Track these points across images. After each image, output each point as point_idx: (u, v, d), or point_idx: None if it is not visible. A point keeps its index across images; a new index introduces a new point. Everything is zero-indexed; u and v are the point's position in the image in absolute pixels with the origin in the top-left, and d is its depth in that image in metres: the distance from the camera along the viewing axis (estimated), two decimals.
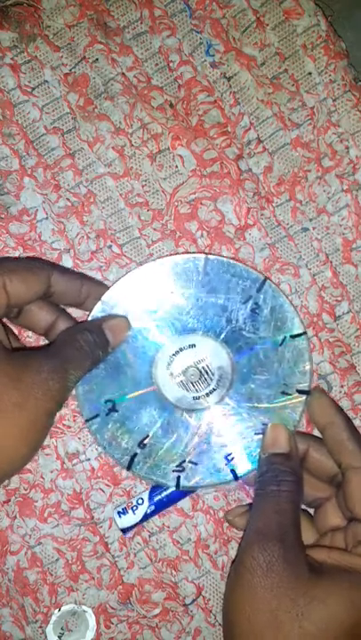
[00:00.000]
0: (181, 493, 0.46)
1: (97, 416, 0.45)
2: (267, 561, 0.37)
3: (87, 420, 0.45)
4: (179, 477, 0.45)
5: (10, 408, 0.36)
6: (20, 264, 0.42)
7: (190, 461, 0.45)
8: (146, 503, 0.46)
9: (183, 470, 0.45)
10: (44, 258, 0.47)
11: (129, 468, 0.45)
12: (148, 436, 0.45)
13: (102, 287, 0.45)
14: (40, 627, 0.48)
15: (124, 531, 0.47)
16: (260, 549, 0.38)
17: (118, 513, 0.47)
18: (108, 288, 0.45)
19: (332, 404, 0.44)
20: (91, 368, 0.42)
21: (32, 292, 0.40)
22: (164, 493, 0.46)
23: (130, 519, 0.46)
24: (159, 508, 0.47)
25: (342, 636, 0.36)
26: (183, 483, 0.45)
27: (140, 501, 0.47)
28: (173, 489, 0.46)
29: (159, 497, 0.46)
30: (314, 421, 0.45)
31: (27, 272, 0.40)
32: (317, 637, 0.36)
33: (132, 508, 0.46)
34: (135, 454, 0.45)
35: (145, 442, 0.45)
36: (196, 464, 0.45)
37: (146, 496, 0.47)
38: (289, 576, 0.37)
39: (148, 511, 0.46)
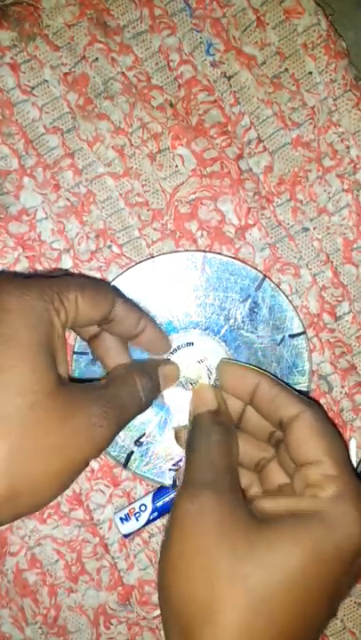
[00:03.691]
0: None
1: None
2: (197, 509, 0.34)
3: None
4: (175, 476, 0.45)
5: (48, 450, 0.33)
6: (90, 282, 0.39)
7: None
8: (149, 509, 0.46)
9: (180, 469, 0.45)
10: (43, 259, 0.47)
11: (125, 465, 0.45)
12: (144, 434, 0.45)
13: (157, 329, 0.43)
14: (40, 628, 0.48)
15: (126, 535, 0.47)
16: (190, 497, 0.35)
17: (121, 519, 0.46)
18: (162, 331, 0.44)
19: (246, 367, 0.41)
20: (138, 414, 0.40)
21: (99, 313, 0.38)
22: (167, 498, 0.46)
23: (132, 525, 0.46)
24: (162, 513, 0.46)
25: (290, 582, 0.32)
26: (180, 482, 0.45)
27: (142, 507, 0.46)
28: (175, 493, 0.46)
29: (162, 502, 0.46)
30: (235, 393, 0.41)
31: (96, 291, 0.38)
32: (261, 586, 0.32)
33: (134, 514, 0.46)
34: (132, 452, 0.45)
35: (141, 440, 0.45)
36: None
37: (149, 502, 0.46)
38: (223, 522, 0.34)
39: (151, 517, 0.46)
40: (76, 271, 0.47)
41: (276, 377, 0.41)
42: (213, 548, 0.33)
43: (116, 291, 0.42)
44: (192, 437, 0.39)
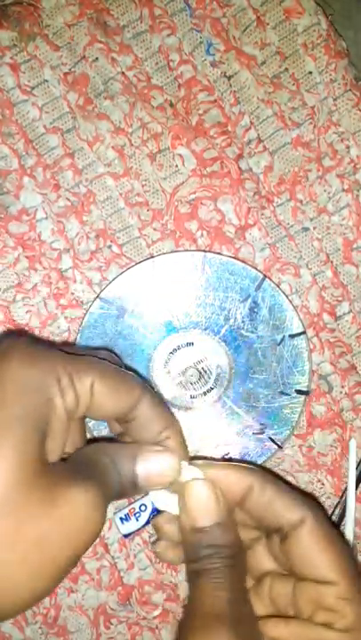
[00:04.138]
0: None
1: None
2: None
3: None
4: None
5: (35, 540, 0.28)
6: (113, 370, 0.34)
7: None
8: (149, 509, 0.46)
9: None
10: (43, 258, 0.47)
11: None
12: None
13: (184, 443, 0.36)
14: (40, 628, 0.48)
15: (126, 535, 0.47)
16: (208, 637, 0.31)
17: (120, 519, 0.46)
18: (185, 443, 0.37)
19: (233, 466, 0.35)
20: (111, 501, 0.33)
21: (117, 408, 0.33)
22: None
23: (132, 525, 0.46)
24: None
25: None
26: None
27: (142, 507, 0.46)
28: None
29: None
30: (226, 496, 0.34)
31: (119, 382, 0.33)
32: None
33: (134, 514, 0.46)
34: None
35: None
36: None
37: (149, 502, 0.46)
38: None
39: (151, 517, 0.46)
40: (76, 271, 0.47)
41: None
42: None
43: (143, 387, 0.35)
44: (203, 561, 0.33)
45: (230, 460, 0.42)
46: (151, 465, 0.33)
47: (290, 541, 0.34)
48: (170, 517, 0.36)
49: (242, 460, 0.38)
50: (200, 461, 0.35)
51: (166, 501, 0.35)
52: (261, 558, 0.36)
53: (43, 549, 0.28)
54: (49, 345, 0.41)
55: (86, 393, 0.32)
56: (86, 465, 0.32)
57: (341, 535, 0.35)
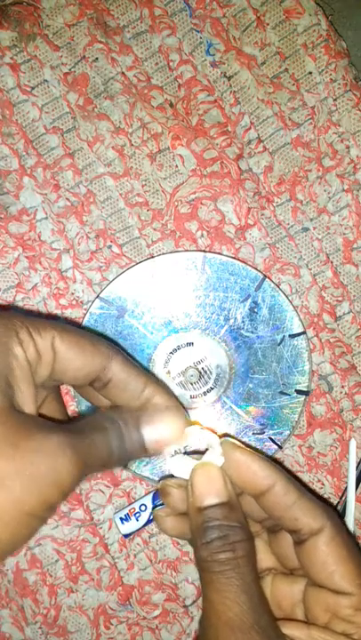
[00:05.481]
0: None
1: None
2: None
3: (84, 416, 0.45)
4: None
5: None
6: (75, 329, 0.34)
7: None
8: (149, 509, 0.46)
9: None
10: (43, 258, 0.47)
11: (125, 465, 0.45)
12: None
13: (171, 396, 0.35)
14: (40, 628, 0.48)
15: (126, 535, 0.47)
16: None
17: (121, 519, 0.46)
18: (175, 397, 0.36)
19: (260, 459, 0.34)
20: (108, 468, 0.33)
21: (86, 364, 0.33)
22: None
23: (132, 525, 0.46)
24: None
25: None
26: None
27: (142, 508, 0.46)
28: None
29: (162, 502, 0.46)
30: (243, 485, 0.34)
31: (82, 338, 0.33)
32: None
33: (134, 514, 0.46)
34: None
35: None
36: None
37: (149, 502, 0.46)
38: None
39: (151, 517, 0.46)
40: (76, 271, 0.47)
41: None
42: None
43: (117, 350, 0.34)
44: (212, 547, 0.33)
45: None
46: (156, 427, 0.33)
47: (307, 547, 0.33)
48: (180, 483, 0.35)
49: (268, 456, 0.38)
50: (232, 440, 0.35)
51: (182, 468, 0.35)
52: (261, 554, 0.36)
53: (3, 490, 0.27)
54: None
55: (47, 348, 0.32)
56: (83, 428, 0.31)
57: (358, 546, 0.35)
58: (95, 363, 0.33)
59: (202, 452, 0.35)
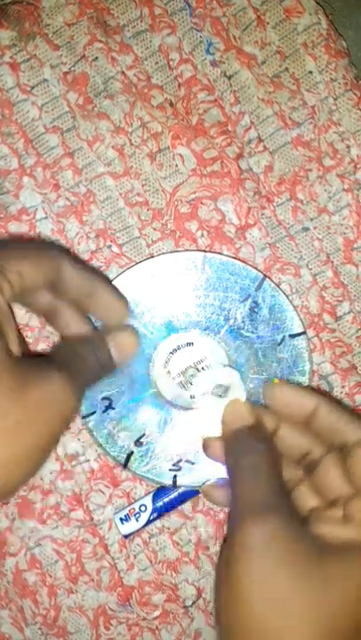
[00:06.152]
0: (183, 497, 0.46)
1: (94, 413, 0.44)
2: (266, 536, 0.32)
3: (84, 417, 0.45)
4: (175, 476, 0.44)
5: (13, 427, 0.31)
6: (31, 248, 0.37)
7: (187, 460, 0.44)
8: (149, 510, 0.46)
9: (180, 469, 0.44)
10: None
11: (125, 466, 0.45)
12: (144, 434, 0.45)
13: (110, 292, 0.41)
14: (39, 628, 0.48)
15: (126, 536, 0.47)
16: (256, 523, 0.32)
17: (121, 520, 0.46)
18: (117, 294, 0.41)
19: (302, 388, 0.40)
20: (92, 386, 0.39)
21: (43, 277, 0.36)
22: (167, 499, 0.46)
23: (132, 526, 0.46)
24: (162, 513, 0.46)
25: (348, 616, 0.31)
26: (180, 482, 0.45)
27: (142, 508, 0.46)
28: (176, 494, 0.45)
29: (162, 503, 0.46)
30: (291, 415, 0.39)
31: (39, 257, 0.36)
32: (335, 623, 0.31)
33: (134, 515, 0.46)
34: (132, 452, 0.45)
35: (141, 440, 0.45)
36: (193, 463, 0.44)
37: (149, 502, 0.46)
38: (291, 551, 0.32)
39: (151, 518, 0.46)
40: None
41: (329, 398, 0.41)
42: (284, 579, 0.31)
43: (66, 252, 0.39)
44: (238, 454, 0.37)
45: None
46: (118, 342, 0.40)
47: (354, 458, 0.36)
48: (214, 436, 0.41)
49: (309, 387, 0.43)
50: (276, 380, 0.42)
51: (215, 407, 0.42)
52: (306, 498, 0.39)
53: (19, 435, 0.31)
54: None
55: (16, 279, 0.34)
56: (62, 356, 0.37)
57: None
58: (51, 274, 0.37)
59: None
